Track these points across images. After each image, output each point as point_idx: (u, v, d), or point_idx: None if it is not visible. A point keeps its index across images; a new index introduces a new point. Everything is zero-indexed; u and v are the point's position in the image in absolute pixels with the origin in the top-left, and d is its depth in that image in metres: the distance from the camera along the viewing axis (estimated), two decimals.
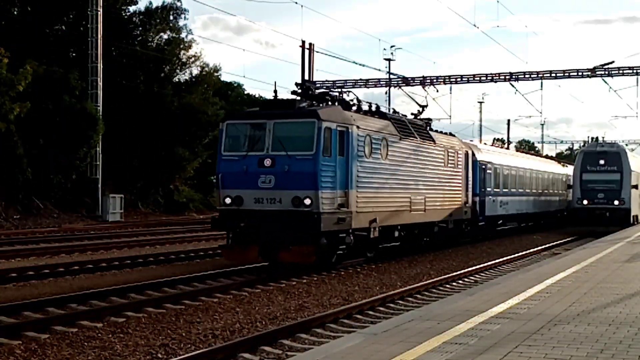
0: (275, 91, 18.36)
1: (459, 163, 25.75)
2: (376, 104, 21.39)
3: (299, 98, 18.07)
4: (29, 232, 29.20)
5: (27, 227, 32.30)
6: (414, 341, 7.11)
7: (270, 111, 17.08)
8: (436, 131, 24.93)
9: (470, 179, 27.15)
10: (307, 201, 15.94)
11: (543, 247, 27.25)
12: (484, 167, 30.07)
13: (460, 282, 17.38)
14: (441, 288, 16.21)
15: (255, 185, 16.35)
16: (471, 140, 46.37)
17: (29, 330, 10.20)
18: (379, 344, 7.06)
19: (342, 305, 13.13)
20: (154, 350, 9.48)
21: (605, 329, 7.81)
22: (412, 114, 25.11)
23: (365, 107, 20.45)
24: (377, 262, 20.16)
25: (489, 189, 30.69)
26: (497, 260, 21.74)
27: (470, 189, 27.08)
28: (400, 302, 14.09)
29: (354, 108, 19.49)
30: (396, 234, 20.52)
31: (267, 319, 11.73)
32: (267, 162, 16.30)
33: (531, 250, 25.85)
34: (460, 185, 25.77)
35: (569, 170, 46.51)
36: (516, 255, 23.75)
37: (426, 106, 26.69)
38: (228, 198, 16.69)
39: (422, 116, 25.46)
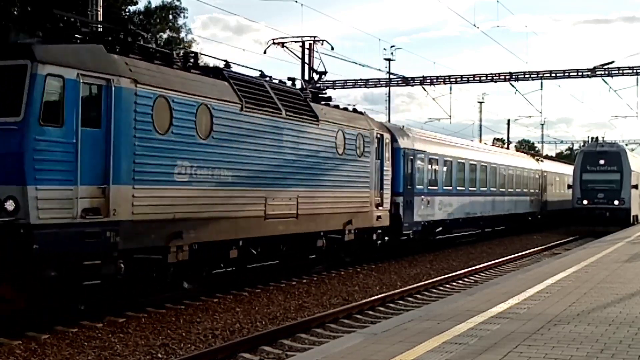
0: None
1: (366, 150, 19.16)
2: (225, 62, 14.76)
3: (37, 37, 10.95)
4: None
5: None
6: (414, 341, 7.11)
7: None
8: (327, 104, 18.33)
9: (387, 172, 20.65)
10: (10, 205, 9.67)
11: (543, 247, 27.30)
12: (411, 157, 23.10)
13: (460, 282, 17.40)
14: (441, 288, 16.23)
15: None
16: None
17: (29, 330, 10.20)
18: (379, 344, 7.06)
19: (342, 305, 13.14)
20: (154, 350, 9.49)
21: (605, 329, 7.81)
22: (287, 77, 17.69)
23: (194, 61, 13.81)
24: (377, 262, 20.17)
25: (419, 187, 23.64)
26: (497, 260, 21.77)
27: (387, 186, 20.61)
28: (400, 302, 14.10)
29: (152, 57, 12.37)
30: (233, 253, 13.93)
31: (267, 319, 11.74)
32: None
33: (531, 250, 25.90)
34: (367, 180, 19.19)
35: (546, 165, 44.13)
36: (516, 255, 23.79)
37: (325, 72, 21.30)
38: None
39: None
